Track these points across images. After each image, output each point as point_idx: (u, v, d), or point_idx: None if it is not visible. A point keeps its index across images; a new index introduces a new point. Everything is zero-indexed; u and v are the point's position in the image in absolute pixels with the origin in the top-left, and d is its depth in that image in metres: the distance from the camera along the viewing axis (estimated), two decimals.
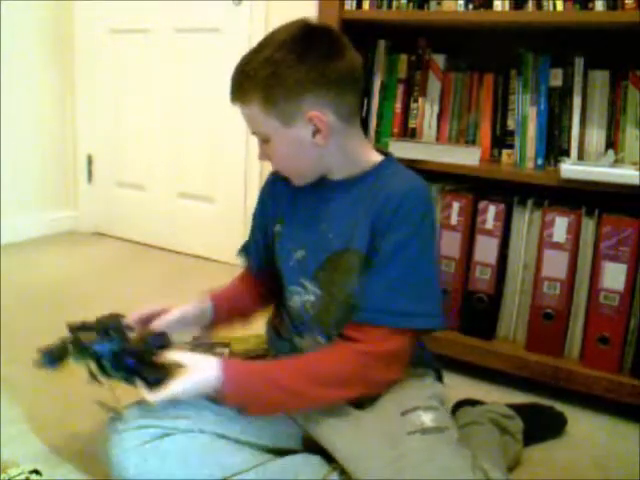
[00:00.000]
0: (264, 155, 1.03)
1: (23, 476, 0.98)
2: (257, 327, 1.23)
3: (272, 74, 0.92)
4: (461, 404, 1.28)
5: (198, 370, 0.91)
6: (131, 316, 1.06)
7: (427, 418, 0.94)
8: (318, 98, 0.94)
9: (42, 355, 1.02)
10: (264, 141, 1.00)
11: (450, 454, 0.90)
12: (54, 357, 1.02)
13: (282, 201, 1.11)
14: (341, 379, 0.94)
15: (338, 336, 0.99)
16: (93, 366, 0.99)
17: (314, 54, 0.94)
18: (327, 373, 0.95)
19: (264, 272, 1.16)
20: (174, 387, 0.90)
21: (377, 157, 1.05)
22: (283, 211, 1.10)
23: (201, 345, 1.47)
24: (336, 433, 0.97)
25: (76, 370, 1.14)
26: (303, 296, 1.05)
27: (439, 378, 1.10)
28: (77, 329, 1.03)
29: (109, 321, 1.04)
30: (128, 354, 0.95)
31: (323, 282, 1.02)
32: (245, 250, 1.22)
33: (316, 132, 0.96)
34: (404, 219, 0.95)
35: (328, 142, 0.97)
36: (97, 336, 1.00)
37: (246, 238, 1.22)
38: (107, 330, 1.03)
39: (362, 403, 0.99)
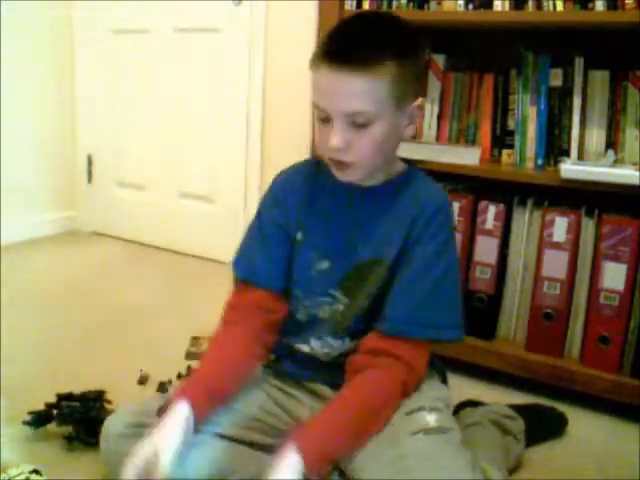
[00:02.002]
0: (342, 140, 0.90)
1: (23, 476, 0.98)
2: None
3: (410, 48, 0.92)
4: (463, 405, 1.28)
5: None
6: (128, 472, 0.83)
7: (431, 418, 0.94)
8: (423, 88, 0.98)
9: (30, 417, 1.15)
10: (360, 125, 0.89)
11: (451, 455, 0.90)
12: (39, 420, 1.16)
13: (297, 209, 1.04)
14: (389, 405, 0.94)
15: (353, 337, 1.01)
16: (70, 431, 1.14)
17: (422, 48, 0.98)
18: (380, 406, 0.93)
19: (283, 290, 1.04)
20: None
21: (401, 163, 1.05)
22: (300, 219, 1.04)
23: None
24: None
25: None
26: (333, 305, 1.03)
27: (444, 381, 1.10)
28: (63, 399, 1.17)
29: (92, 394, 1.18)
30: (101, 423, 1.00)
31: (347, 290, 1.01)
32: (251, 269, 1.04)
33: (410, 123, 0.96)
34: (437, 231, 0.96)
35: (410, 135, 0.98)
36: (79, 406, 1.15)
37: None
38: (88, 401, 1.16)
39: None
